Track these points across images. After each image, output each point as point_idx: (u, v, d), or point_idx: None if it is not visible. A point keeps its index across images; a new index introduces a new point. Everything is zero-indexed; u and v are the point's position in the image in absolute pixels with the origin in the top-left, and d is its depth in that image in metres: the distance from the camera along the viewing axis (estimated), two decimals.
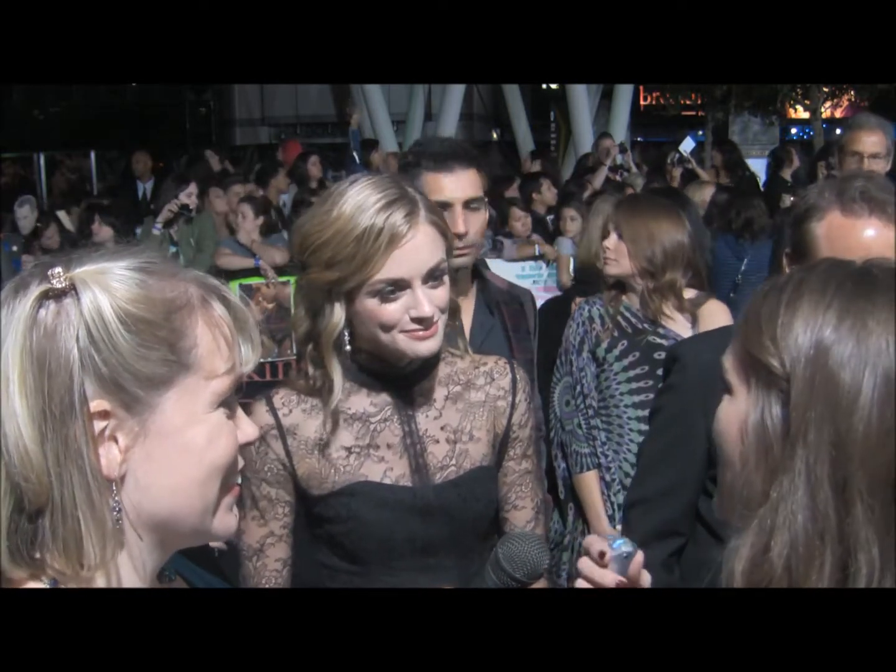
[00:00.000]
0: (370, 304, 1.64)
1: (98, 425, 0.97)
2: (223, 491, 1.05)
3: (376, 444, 1.74)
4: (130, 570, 1.02)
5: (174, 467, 1.01)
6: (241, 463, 1.08)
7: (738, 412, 1.06)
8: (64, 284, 0.97)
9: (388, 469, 1.73)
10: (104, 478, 0.97)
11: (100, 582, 0.99)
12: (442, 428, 1.76)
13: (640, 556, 1.27)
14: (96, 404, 0.96)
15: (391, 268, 1.61)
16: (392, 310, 1.64)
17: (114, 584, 1.00)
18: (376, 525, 1.70)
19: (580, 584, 1.27)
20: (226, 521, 1.07)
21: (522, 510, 1.82)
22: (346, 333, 1.69)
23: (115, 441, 0.98)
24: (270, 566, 1.76)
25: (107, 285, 0.98)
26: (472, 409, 1.79)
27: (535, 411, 1.90)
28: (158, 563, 1.07)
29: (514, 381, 1.82)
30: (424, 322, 1.64)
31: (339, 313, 1.66)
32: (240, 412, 1.08)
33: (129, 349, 0.97)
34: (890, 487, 0.95)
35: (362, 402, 1.75)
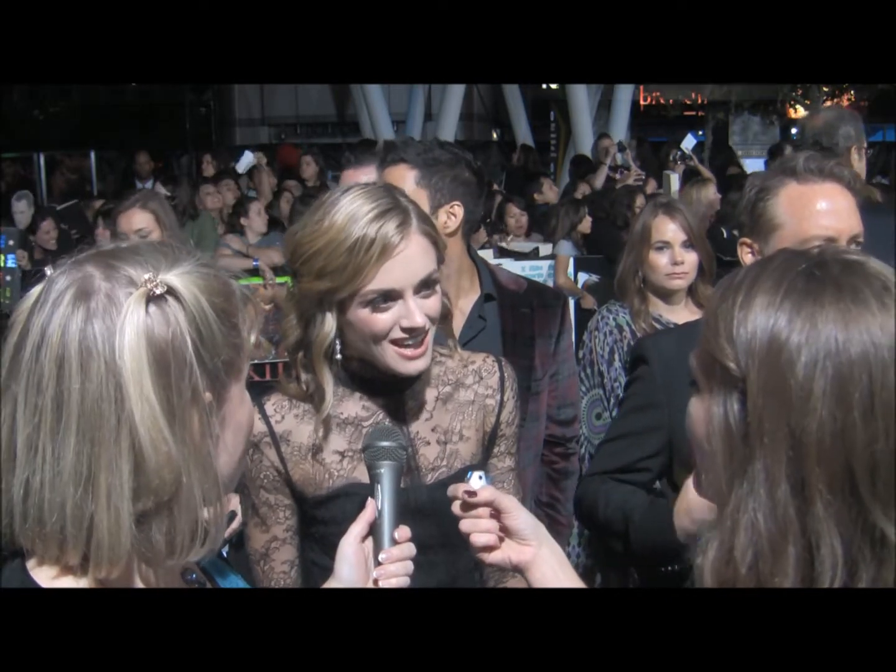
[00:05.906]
0: (361, 313, 1.63)
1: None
2: None
3: None
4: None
5: (232, 446, 1.08)
6: None
7: (705, 411, 1.06)
8: (163, 290, 0.99)
9: None
10: (217, 471, 1.02)
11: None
12: (433, 429, 1.76)
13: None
14: (207, 397, 1.01)
15: (383, 278, 1.60)
16: (383, 320, 1.62)
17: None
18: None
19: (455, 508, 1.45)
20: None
21: None
22: (338, 342, 1.68)
23: None
24: (277, 569, 1.77)
25: (199, 284, 1.02)
26: (462, 409, 1.79)
27: (519, 409, 1.89)
28: None
29: (501, 378, 1.83)
30: (415, 332, 1.64)
31: (330, 323, 1.65)
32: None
33: (223, 340, 1.03)
34: (847, 482, 0.96)
35: (354, 406, 1.75)
